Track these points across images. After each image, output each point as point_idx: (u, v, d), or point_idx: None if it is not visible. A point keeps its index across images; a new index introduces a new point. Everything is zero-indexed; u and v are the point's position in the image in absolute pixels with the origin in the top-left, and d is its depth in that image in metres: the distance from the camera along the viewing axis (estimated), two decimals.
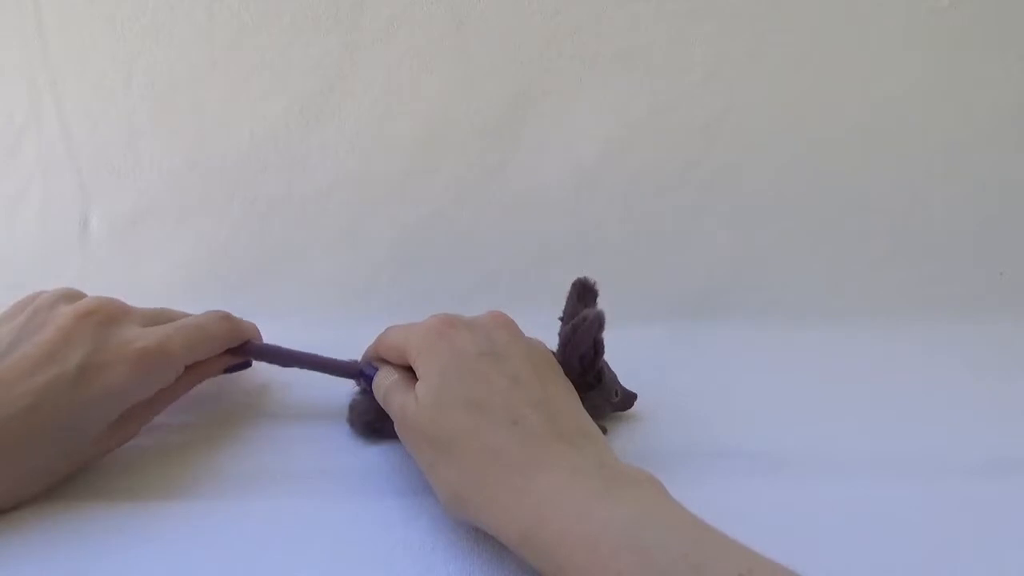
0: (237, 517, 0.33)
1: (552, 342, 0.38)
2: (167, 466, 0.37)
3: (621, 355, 0.41)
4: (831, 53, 0.55)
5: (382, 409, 0.38)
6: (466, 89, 0.55)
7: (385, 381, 0.36)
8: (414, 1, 0.54)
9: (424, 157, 0.56)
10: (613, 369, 0.41)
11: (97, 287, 0.55)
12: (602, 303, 0.38)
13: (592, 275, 0.39)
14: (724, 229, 0.56)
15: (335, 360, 0.41)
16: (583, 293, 0.39)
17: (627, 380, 0.41)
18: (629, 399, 0.41)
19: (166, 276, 0.56)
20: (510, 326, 0.37)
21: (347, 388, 0.41)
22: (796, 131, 0.56)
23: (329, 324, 0.52)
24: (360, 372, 0.40)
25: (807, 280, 0.56)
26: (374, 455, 0.38)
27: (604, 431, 0.39)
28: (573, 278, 0.40)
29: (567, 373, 0.37)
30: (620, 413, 0.42)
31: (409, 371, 0.35)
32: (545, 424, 0.31)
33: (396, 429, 0.35)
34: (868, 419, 0.43)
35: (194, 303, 0.54)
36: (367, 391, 0.39)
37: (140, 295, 0.55)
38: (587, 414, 0.34)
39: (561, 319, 0.39)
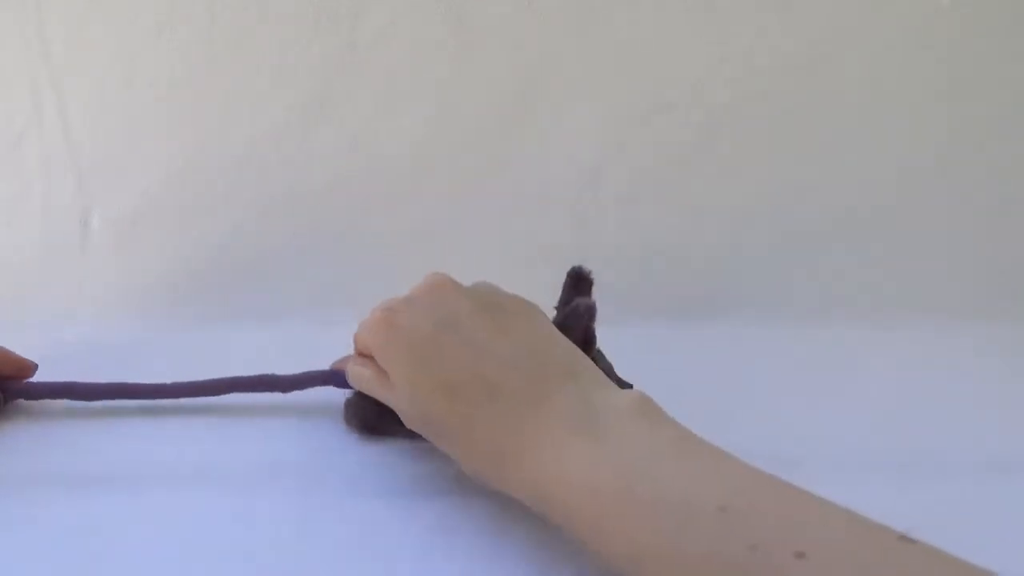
0: (235, 516, 0.33)
1: None
2: (166, 462, 0.37)
3: (621, 355, 0.41)
4: (831, 53, 0.55)
5: (380, 408, 0.38)
6: (466, 89, 0.55)
7: (360, 378, 0.36)
8: (414, 1, 0.54)
9: (424, 157, 0.56)
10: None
11: (97, 287, 0.55)
12: (601, 303, 0.38)
13: (592, 274, 0.39)
14: (724, 229, 0.56)
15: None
16: (578, 282, 0.38)
17: (626, 380, 0.41)
18: None
19: (166, 276, 0.56)
20: (449, 285, 0.35)
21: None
22: (796, 130, 0.56)
23: (329, 324, 0.51)
24: (333, 376, 0.40)
25: (808, 280, 0.56)
26: (372, 454, 0.38)
27: None
28: None
29: None
30: None
31: None
32: (522, 384, 0.30)
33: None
34: (869, 419, 0.43)
35: (194, 303, 0.54)
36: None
37: (140, 295, 0.55)
38: (561, 339, 0.33)
39: (556, 308, 0.39)
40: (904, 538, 0.21)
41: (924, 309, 0.54)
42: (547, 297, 0.40)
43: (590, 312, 0.36)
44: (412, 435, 0.39)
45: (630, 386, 0.41)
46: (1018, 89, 0.56)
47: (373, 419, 0.38)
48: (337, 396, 0.41)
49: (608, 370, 0.40)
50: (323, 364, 0.41)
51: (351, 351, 0.41)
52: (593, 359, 0.38)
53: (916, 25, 0.55)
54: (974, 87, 0.56)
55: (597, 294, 0.39)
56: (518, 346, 0.32)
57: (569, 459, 0.27)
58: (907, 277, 0.56)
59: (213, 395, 0.40)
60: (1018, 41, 0.55)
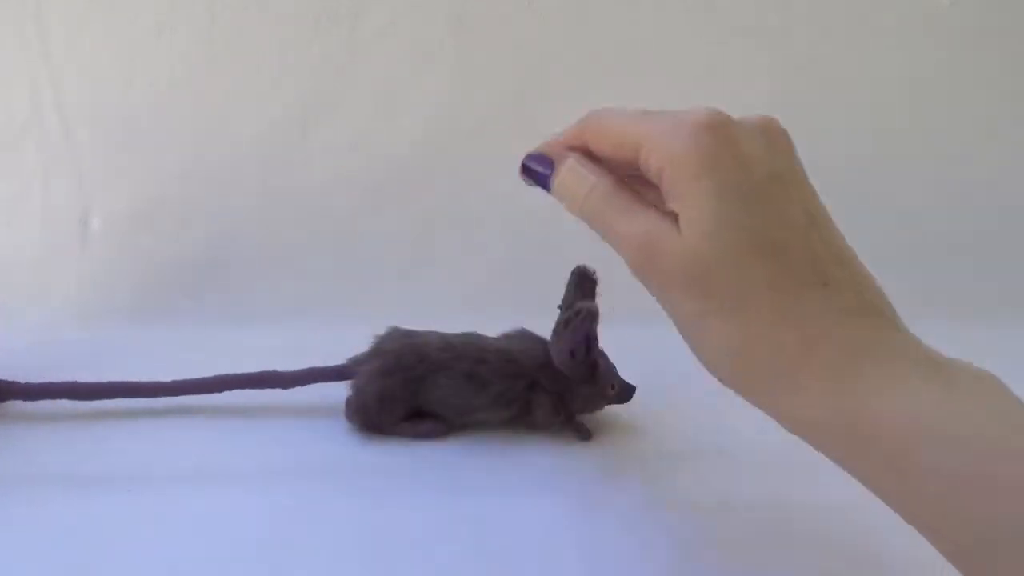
0: (235, 515, 0.33)
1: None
2: (166, 462, 0.37)
3: (622, 354, 0.41)
4: (832, 53, 0.55)
5: (381, 405, 0.37)
6: (466, 89, 0.55)
7: (579, 188, 0.27)
8: (414, 1, 0.54)
9: (424, 157, 0.56)
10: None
11: (97, 287, 0.55)
12: (603, 303, 0.38)
13: (596, 274, 0.39)
14: None
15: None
16: (582, 282, 0.38)
17: (628, 380, 0.41)
18: (628, 391, 0.40)
19: (166, 276, 0.55)
20: (786, 134, 0.28)
21: (345, 384, 0.41)
22: (796, 131, 0.55)
23: (329, 324, 0.51)
24: (523, 168, 0.31)
25: None
26: (372, 454, 0.38)
27: (589, 436, 0.39)
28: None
29: (557, 365, 0.37)
30: (623, 411, 0.41)
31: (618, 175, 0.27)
32: (854, 288, 0.24)
33: (630, 262, 0.27)
34: None
35: (194, 303, 0.54)
36: (364, 385, 0.38)
37: (140, 295, 0.55)
38: None
39: (560, 307, 0.39)
40: None
41: (925, 309, 0.54)
42: (549, 297, 0.40)
43: (592, 317, 0.36)
44: (413, 433, 0.39)
45: (633, 388, 0.41)
46: (1018, 89, 0.56)
47: (375, 417, 0.38)
48: (338, 394, 0.41)
49: (610, 372, 0.40)
50: (323, 364, 0.41)
51: (349, 352, 0.40)
52: (593, 361, 0.38)
53: (916, 25, 0.55)
54: (974, 87, 0.56)
55: (599, 294, 0.39)
56: (843, 241, 0.26)
57: (915, 401, 0.22)
58: (908, 277, 0.56)
59: (214, 392, 0.40)
60: (1018, 41, 0.55)
